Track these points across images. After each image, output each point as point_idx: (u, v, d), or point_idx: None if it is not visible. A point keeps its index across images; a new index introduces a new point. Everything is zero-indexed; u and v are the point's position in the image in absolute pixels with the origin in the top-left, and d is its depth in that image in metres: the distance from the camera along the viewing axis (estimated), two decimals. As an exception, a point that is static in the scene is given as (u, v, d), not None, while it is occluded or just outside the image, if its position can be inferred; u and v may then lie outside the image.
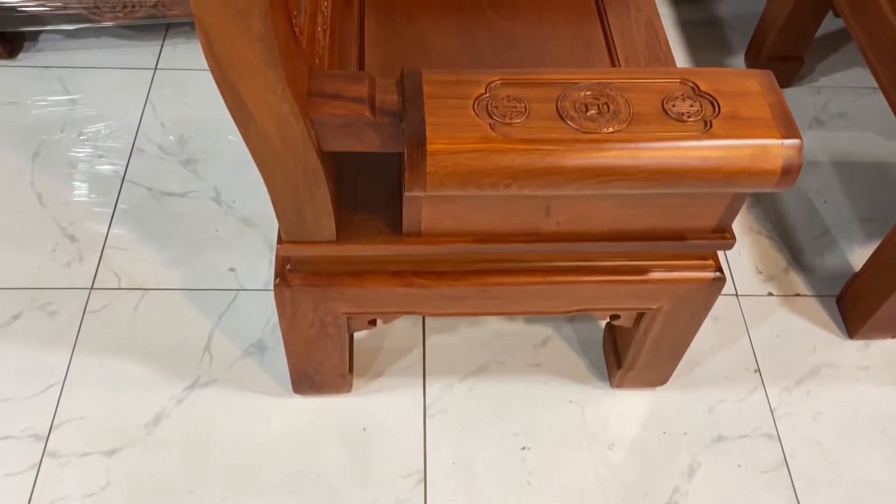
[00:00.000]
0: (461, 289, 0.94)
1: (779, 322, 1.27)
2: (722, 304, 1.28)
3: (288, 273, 0.91)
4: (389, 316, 0.99)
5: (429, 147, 0.72)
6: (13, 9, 1.46)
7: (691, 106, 0.76)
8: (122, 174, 1.37)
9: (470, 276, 0.93)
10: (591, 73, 0.78)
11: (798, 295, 1.31)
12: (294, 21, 0.73)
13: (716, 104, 0.76)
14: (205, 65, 1.44)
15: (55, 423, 1.10)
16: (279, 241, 0.86)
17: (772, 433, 1.15)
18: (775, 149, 0.75)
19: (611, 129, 0.74)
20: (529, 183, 0.74)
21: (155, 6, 1.50)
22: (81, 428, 1.10)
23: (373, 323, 1.01)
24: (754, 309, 1.28)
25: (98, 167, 1.38)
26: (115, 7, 1.50)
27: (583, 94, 0.76)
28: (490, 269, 0.93)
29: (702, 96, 0.77)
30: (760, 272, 1.33)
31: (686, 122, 0.75)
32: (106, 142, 1.42)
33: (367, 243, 0.87)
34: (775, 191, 0.78)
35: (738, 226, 1.38)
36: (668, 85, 0.78)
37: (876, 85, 1.58)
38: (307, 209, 0.81)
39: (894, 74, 1.15)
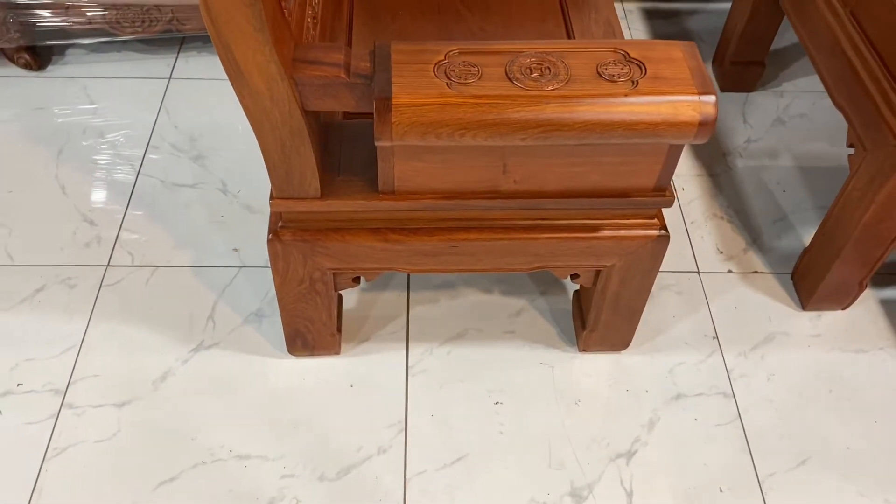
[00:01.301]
0: (432, 244, 1.06)
1: (737, 296, 1.38)
2: (684, 280, 1.39)
3: (279, 229, 1.04)
4: (370, 272, 1.11)
5: (394, 101, 0.84)
6: (44, 24, 1.62)
7: (622, 69, 0.89)
8: (138, 168, 1.51)
9: (439, 233, 1.05)
10: (537, 44, 0.92)
11: (756, 272, 1.41)
12: (283, 2, 0.87)
13: (643, 67, 0.89)
14: (215, 74, 1.67)
15: (72, 379, 1.22)
16: (271, 197, 0.99)
17: (727, 392, 1.25)
18: (693, 104, 0.87)
19: (551, 88, 0.87)
20: (480, 133, 0.86)
21: (170, 21, 1.66)
22: (96, 384, 1.21)
23: (356, 280, 1.13)
24: (714, 284, 1.39)
25: (116, 163, 1.52)
26: (134, 22, 1.66)
27: (528, 60, 0.89)
28: (457, 227, 1.05)
29: (631, 62, 0.90)
30: (721, 252, 1.44)
31: (616, 82, 0.88)
32: (124, 141, 1.56)
33: (348, 199, 0.99)
34: (695, 142, 0.90)
35: (701, 211, 1.50)
36: (602, 53, 0.91)
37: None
38: (294, 164, 0.94)
39: (832, 69, 1.27)
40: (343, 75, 0.87)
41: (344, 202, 0.99)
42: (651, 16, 1.92)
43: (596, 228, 1.06)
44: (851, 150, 1.23)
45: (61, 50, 1.74)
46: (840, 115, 1.26)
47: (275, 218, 1.05)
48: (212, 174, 1.51)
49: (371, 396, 1.22)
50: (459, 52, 0.90)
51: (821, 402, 1.25)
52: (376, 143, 0.88)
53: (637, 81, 0.88)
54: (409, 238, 1.05)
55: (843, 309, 1.36)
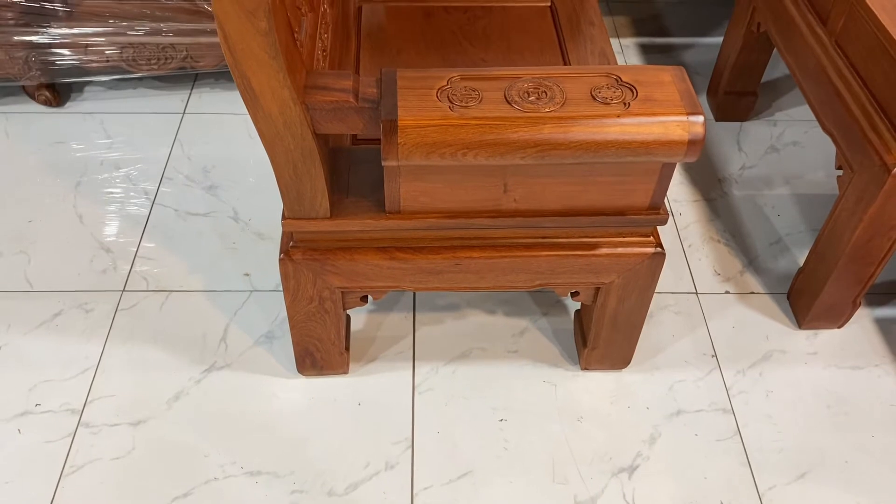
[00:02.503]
0: (437, 262, 1.10)
1: (735, 315, 1.41)
2: (683, 301, 1.43)
3: (291, 249, 1.09)
4: (377, 291, 1.15)
5: (399, 123, 0.90)
6: (63, 63, 1.69)
7: (614, 92, 0.94)
8: (153, 199, 1.57)
9: (444, 251, 1.09)
10: (534, 70, 0.97)
11: (753, 293, 1.45)
12: (296, 34, 0.93)
13: (634, 90, 0.94)
14: (227, 109, 1.75)
15: (89, 399, 1.25)
16: (283, 217, 1.04)
17: (727, 408, 1.28)
18: (682, 123, 0.92)
19: (547, 110, 0.92)
20: (482, 152, 0.91)
21: (185, 59, 1.73)
22: (111, 403, 1.25)
23: (364, 299, 1.17)
24: (712, 305, 1.43)
25: (131, 194, 1.58)
26: (150, 60, 1.73)
27: (526, 84, 0.95)
28: (461, 245, 1.10)
29: (623, 85, 0.95)
30: (718, 274, 1.48)
31: (610, 104, 0.93)
32: (139, 174, 1.62)
33: (356, 219, 1.04)
34: (685, 160, 0.94)
35: (698, 235, 1.54)
36: (596, 78, 0.96)
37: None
38: (305, 185, 0.99)
39: (819, 96, 1.33)
40: (352, 100, 0.92)
41: (352, 222, 1.04)
42: (647, 50, 1.99)
43: (594, 246, 1.10)
44: (840, 172, 1.27)
45: (79, 87, 1.81)
46: (829, 142, 1.31)
47: (286, 238, 1.09)
48: (224, 203, 1.57)
49: (378, 414, 1.25)
50: (461, 79, 0.96)
51: (819, 417, 1.27)
52: (383, 163, 0.93)
53: (629, 103, 0.93)
54: (414, 256, 1.09)
55: (839, 327, 1.39)
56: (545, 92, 0.94)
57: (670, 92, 0.95)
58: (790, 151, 1.73)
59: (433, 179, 1.00)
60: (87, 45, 1.69)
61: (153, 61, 1.73)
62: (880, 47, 1.16)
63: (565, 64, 1.29)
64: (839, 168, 1.28)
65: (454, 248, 1.10)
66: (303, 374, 1.29)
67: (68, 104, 1.78)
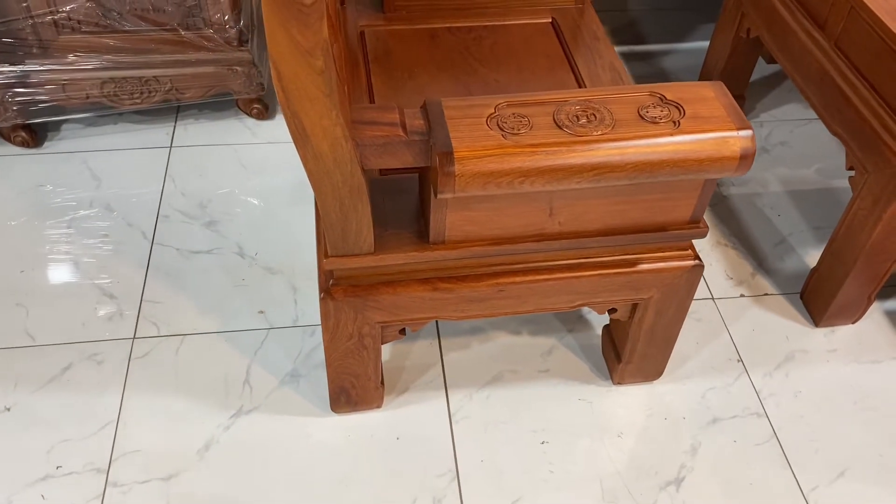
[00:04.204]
0: (480, 290, 1.08)
1: (753, 318, 1.43)
2: (702, 308, 1.44)
3: (332, 287, 1.05)
4: (418, 322, 1.12)
5: (456, 154, 0.88)
6: (41, 101, 1.61)
7: (661, 111, 0.94)
8: (151, 238, 1.51)
9: (487, 278, 1.08)
10: (577, 93, 0.96)
11: (766, 294, 1.47)
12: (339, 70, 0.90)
13: (681, 108, 0.94)
14: (215, 140, 1.70)
15: (114, 456, 1.19)
16: (325, 256, 1.01)
17: (759, 412, 1.29)
18: (733, 139, 0.92)
19: (600, 133, 0.91)
20: (538, 179, 0.90)
21: (169, 91, 1.67)
22: (138, 459, 1.19)
23: (402, 332, 1.15)
24: (730, 309, 1.44)
25: (128, 234, 1.51)
26: (133, 94, 1.67)
27: (573, 108, 0.94)
28: (503, 271, 1.08)
29: (668, 104, 0.95)
30: (731, 278, 1.50)
31: (658, 123, 0.93)
32: (132, 212, 1.56)
33: (400, 252, 1.01)
34: (735, 174, 0.95)
35: (707, 241, 1.56)
36: (640, 97, 0.96)
37: (808, 116, 1.81)
38: (351, 222, 0.96)
39: (823, 98, 1.36)
40: (401, 133, 0.90)
41: (396, 255, 1.02)
42: (628, 58, 2.01)
43: (635, 263, 1.10)
44: (851, 173, 1.30)
45: (56, 126, 1.74)
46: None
47: (325, 277, 1.06)
48: (226, 239, 1.52)
49: (418, 447, 1.22)
50: (507, 105, 0.94)
51: (847, 413, 1.30)
52: (438, 196, 0.91)
53: (678, 122, 0.93)
54: (457, 286, 1.07)
55: (853, 323, 1.43)
56: (594, 114, 0.93)
57: (715, 107, 0.95)
58: (779, 151, 1.77)
59: (480, 208, 0.98)
60: (65, 82, 1.62)
61: (136, 95, 1.67)
62: (887, 51, 1.19)
63: (577, 80, 1.29)
64: (850, 168, 1.31)
65: (496, 274, 1.08)
66: (335, 413, 1.25)
67: (46, 144, 1.70)
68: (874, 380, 1.34)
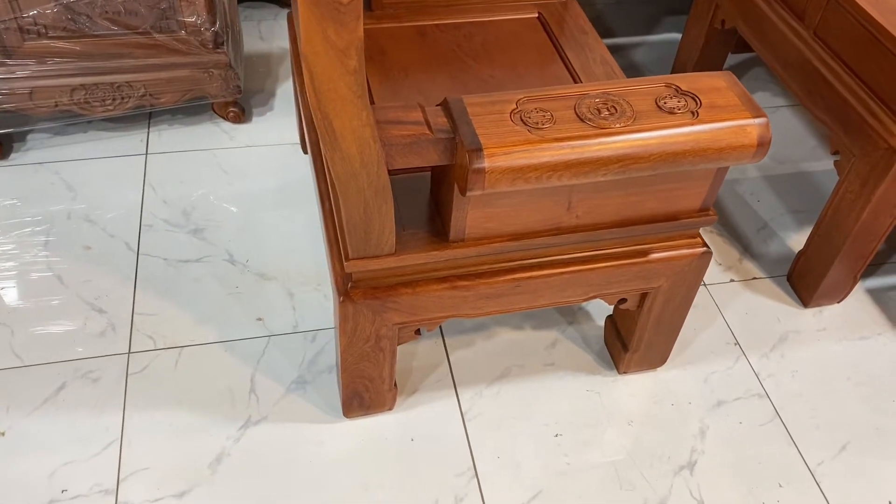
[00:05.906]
0: (496, 286, 1.08)
1: (744, 302, 1.47)
2: (696, 294, 1.47)
3: (350, 290, 1.04)
4: (434, 322, 1.12)
5: (485, 151, 0.87)
6: (6, 110, 1.54)
7: (678, 102, 0.95)
8: (136, 248, 1.46)
9: (504, 274, 1.08)
10: (594, 86, 0.97)
11: (755, 278, 1.51)
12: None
13: (697, 99, 0.96)
14: (191, 145, 1.67)
15: (121, 476, 1.15)
16: (345, 258, 0.99)
17: (761, 392, 1.33)
18: (750, 127, 0.94)
19: (621, 125, 0.92)
20: (566, 173, 0.90)
21: (143, 97, 1.62)
22: (148, 477, 1.15)
23: (418, 332, 1.14)
24: (722, 294, 1.48)
25: (111, 245, 1.46)
26: (104, 101, 1.61)
27: (594, 101, 0.94)
28: (520, 266, 1.08)
29: (684, 94, 0.97)
30: (720, 264, 1.53)
31: (677, 114, 0.94)
32: (113, 222, 1.50)
33: (420, 252, 1.00)
34: (752, 161, 0.97)
35: (693, 228, 1.59)
36: (656, 89, 0.97)
37: (782, 103, 1.86)
38: (374, 223, 0.94)
39: (805, 85, 1.40)
40: (428, 132, 0.89)
41: (417, 255, 1.01)
42: (598, 52, 2.03)
43: (646, 253, 1.12)
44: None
45: (21, 136, 1.66)
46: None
47: (343, 280, 1.04)
48: (215, 246, 1.48)
49: (434, 447, 1.22)
50: (528, 100, 0.94)
51: (843, 389, 1.34)
52: (468, 194, 0.90)
53: (696, 112, 0.94)
54: (475, 283, 1.07)
55: (839, 302, 1.48)
56: (615, 107, 0.94)
57: (729, 97, 0.97)
58: (752, 139, 1.81)
59: (501, 204, 0.98)
60: (31, 90, 1.55)
61: (108, 102, 1.61)
62: (868, 38, 1.23)
63: (571, 74, 1.30)
64: (835, 153, 1.35)
65: (513, 269, 1.08)
66: (347, 417, 1.24)
67: (13, 156, 1.63)
68: (864, 355, 1.39)
